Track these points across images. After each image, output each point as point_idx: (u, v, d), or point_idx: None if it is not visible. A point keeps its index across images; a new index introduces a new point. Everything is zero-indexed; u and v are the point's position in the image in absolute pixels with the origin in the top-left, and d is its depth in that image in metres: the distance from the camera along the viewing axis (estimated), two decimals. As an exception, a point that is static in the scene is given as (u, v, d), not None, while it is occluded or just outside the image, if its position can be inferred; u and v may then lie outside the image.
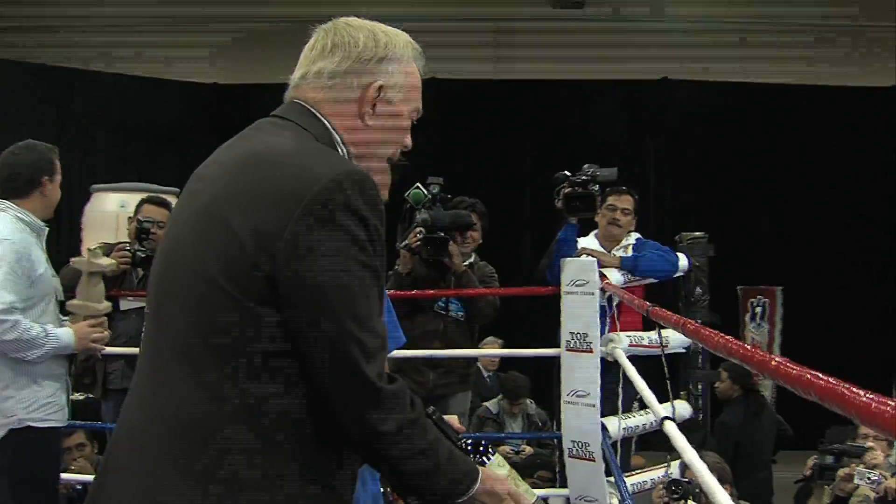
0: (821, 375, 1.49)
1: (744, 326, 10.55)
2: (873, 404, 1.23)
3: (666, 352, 4.72)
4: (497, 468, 2.02)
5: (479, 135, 11.11)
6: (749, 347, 1.92)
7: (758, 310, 10.50)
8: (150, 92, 10.83)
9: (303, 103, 1.87)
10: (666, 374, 4.06)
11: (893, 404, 1.18)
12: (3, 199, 4.07)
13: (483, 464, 2.00)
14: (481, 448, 2.03)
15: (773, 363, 1.70)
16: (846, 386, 1.35)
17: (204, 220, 1.72)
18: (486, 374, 8.17)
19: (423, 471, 1.75)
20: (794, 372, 1.59)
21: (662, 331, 4.64)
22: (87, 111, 10.66)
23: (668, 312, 3.05)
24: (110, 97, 10.65)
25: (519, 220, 10.83)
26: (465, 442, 2.01)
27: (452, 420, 2.09)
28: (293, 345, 1.65)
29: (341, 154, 1.85)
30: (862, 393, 1.28)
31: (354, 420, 1.67)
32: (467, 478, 1.81)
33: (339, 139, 1.86)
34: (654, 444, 6.17)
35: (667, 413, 3.33)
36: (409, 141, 1.98)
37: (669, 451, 5.69)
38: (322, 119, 1.86)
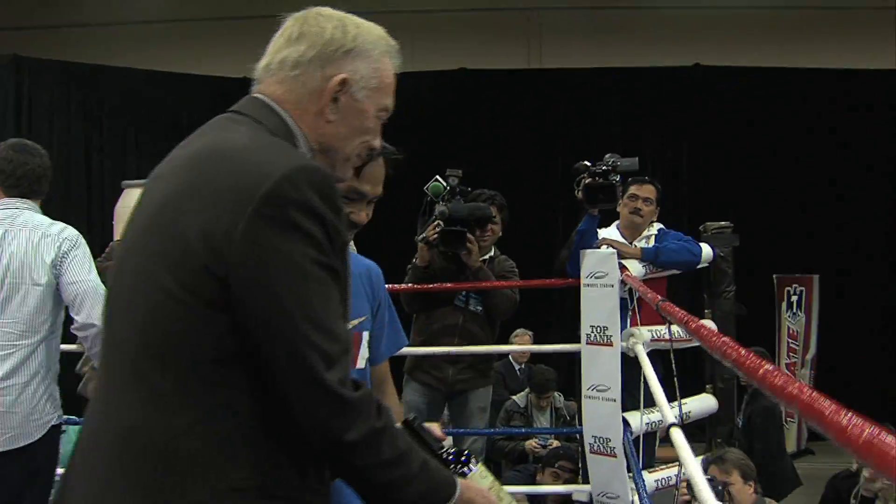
0: (805, 389, 1.40)
1: (780, 315, 10.38)
2: (850, 427, 1.15)
3: (692, 344, 4.61)
4: (479, 479, 1.95)
5: (511, 125, 11.01)
6: (742, 352, 1.83)
7: (794, 298, 10.33)
8: (179, 87, 10.87)
9: (262, 97, 1.78)
10: (674, 371, 3.95)
11: (869, 430, 1.10)
12: (23, 197, 4.03)
13: (464, 474, 1.93)
14: (463, 458, 1.95)
15: (759, 371, 1.62)
16: (827, 403, 1.27)
17: (153, 222, 1.64)
18: (516, 366, 8.10)
19: (392, 482, 1.65)
20: (779, 382, 1.51)
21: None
22: (117, 107, 10.71)
23: (675, 308, 2.96)
24: (140, 93, 10.69)
25: (551, 211, 10.71)
26: (446, 451, 1.94)
27: (434, 428, 2.01)
28: (249, 351, 1.56)
29: (302, 150, 1.76)
30: (843, 413, 1.20)
31: (316, 429, 1.58)
32: (443, 489, 1.73)
33: (299, 134, 1.76)
34: (688, 434, 6.12)
35: (674, 416, 3.24)
36: (376, 142, 1.87)
37: (705, 444, 5.66)
38: (281, 113, 1.76)
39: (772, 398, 1.57)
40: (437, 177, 5.31)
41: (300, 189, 1.56)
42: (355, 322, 2.39)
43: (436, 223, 5.16)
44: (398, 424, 1.95)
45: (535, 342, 8.33)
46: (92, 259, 3.96)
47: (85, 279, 3.87)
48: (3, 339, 3.83)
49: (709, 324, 5.34)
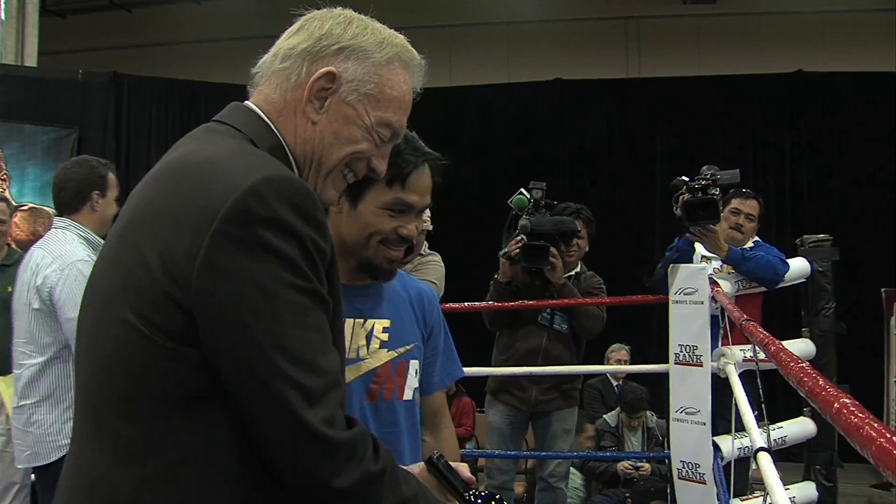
0: (885, 433, 1.23)
1: (888, 331, 9.92)
2: None
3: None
4: None
5: (608, 136, 10.83)
6: (819, 382, 1.65)
7: (905, 313, 9.86)
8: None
9: (246, 104, 1.61)
10: (760, 393, 3.73)
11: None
12: (60, 216, 4.06)
13: None
14: (493, 503, 1.76)
15: (833, 405, 1.44)
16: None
17: (118, 245, 1.47)
18: (614, 383, 7.87)
19: None
20: (854, 420, 1.33)
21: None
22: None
23: (758, 329, 2.76)
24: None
25: (648, 224, 10.47)
26: (474, 494, 1.76)
27: (462, 469, 1.82)
28: (219, 390, 1.37)
29: (291, 163, 1.58)
30: None
31: (301, 475, 1.39)
32: None
33: (284, 143, 1.58)
34: (793, 454, 5.84)
35: (762, 441, 3.03)
36: (378, 164, 1.67)
37: (808, 465, 5.40)
38: (265, 119, 1.58)
39: (846, 437, 1.38)
40: (522, 189, 5.17)
41: (267, 203, 1.36)
42: (401, 350, 2.23)
43: (518, 238, 5.01)
44: (421, 463, 1.80)
45: (632, 359, 8.08)
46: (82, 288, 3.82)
47: (74, 317, 3.75)
48: (17, 359, 3.90)
49: (805, 344, 5.09)
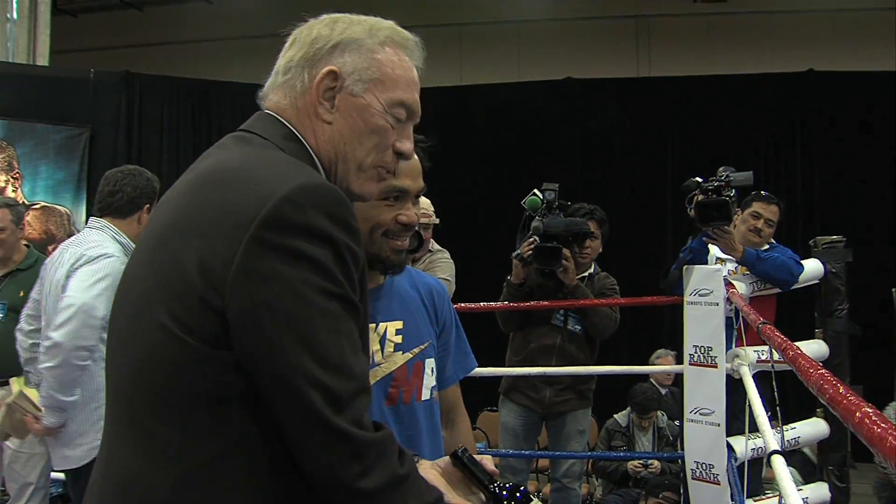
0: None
1: (901, 332, 9.90)
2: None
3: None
4: None
5: (619, 135, 10.80)
6: (840, 390, 1.65)
7: (916, 313, 9.82)
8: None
9: (270, 112, 1.65)
10: (776, 394, 3.74)
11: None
12: (101, 217, 4.01)
13: None
14: (518, 494, 1.78)
15: (856, 414, 1.45)
16: None
17: (153, 251, 1.50)
18: (662, 390, 7.70)
19: None
20: (878, 431, 1.34)
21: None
22: (227, 122, 10.81)
23: (775, 332, 2.77)
24: (249, 107, 10.76)
25: (660, 224, 10.44)
26: (499, 486, 1.78)
27: (486, 461, 1.83)
28: (252, 392, 1.41)
29: (318, 167, 1.62)
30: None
31: (328, 477, 1.41)
32: None
33: (309, 147, 1.62)
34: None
35: (776, 443, 3.04)
36: (404, 145, 1.69)
37: (821, 466, 5.41)
38: (290, 128, 1.62)
39: (869, 447, 1.38)
40: (535, 190, 5.17)
41: (303, 210, 1.40)
42: (416, 350, 2.24)
43: (531, 239, 5.02)
44: (446, 457, 1.82)
45: (641, 363, 8.01)
46: (103, 280, 3.71)
47: (76, 295, 3.67)
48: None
49: (818, 345, 5.09)
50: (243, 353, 1.39)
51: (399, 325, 2.23)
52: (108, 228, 3.95)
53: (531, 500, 1.79)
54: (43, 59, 9.80)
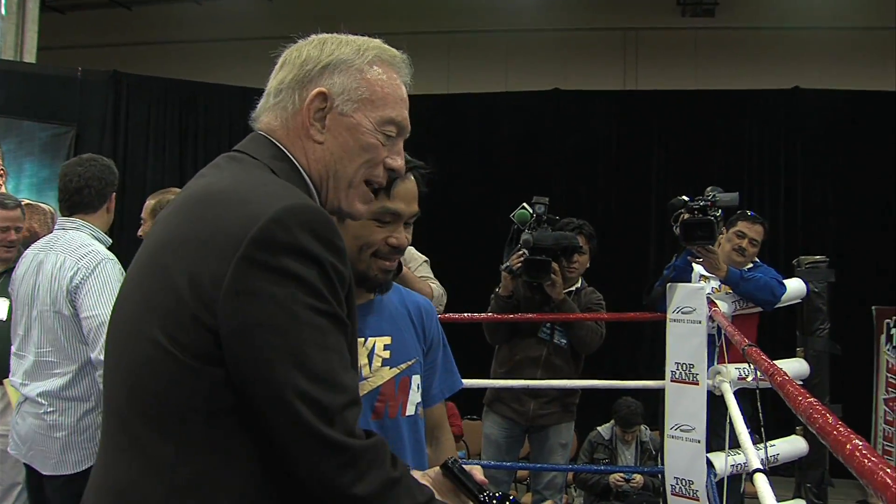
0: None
1: (878, 349, 9.98)
2: None
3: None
4: None
5: (605, 148, 10.85)
6: (829, 419, 1.69)
7: (894, 331, 9.92)
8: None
9: (263, 133, 1.70)
10: (759, 412, 3.78)
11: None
12: (70, 215, 3.93)
13: None
14: (508, 503, 1.83)
15: (846, 446, 1.49)
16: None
17: (146, 269, 1.56)
18: None
19: None
20: (868, 465, 1.37)
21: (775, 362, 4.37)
22: (214, 124, 10.80)
23: (762, 356, 2.81)
24: (237, 110, 10.74)
25: (643, 239, 10.48)
26: (488, 495, 1.82)
27: (475, 471, 1.88)
28: (244, 407, 1.45)
29: (309, 187, 1.67)
30: None
31: (323, 485, 1.45)
32: None
33: (300, 167, 1.67)
34: (781, 469, 5.88)
35: (758, 461, 3.08)
36: (394, 161, 1.74)
37: (799, 483, 5.45)
38: (281, 148, 1.67)
39: (859, 479, 1.42)
40: (525, 204, 5.21)
41: (290, 230, 1.45)
42: (403, 366, 2.28)
43: (520, 252, 5.05)
44: (436, 468, 1.85)
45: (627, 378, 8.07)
46: (113, 287, 3.67)
47: (96, 313, 3.64)
48: (42, 368, 3.77)
49: (799, 364, 5.15)
50: (235, 370, 1.44)
51: (387, 340, 2.27)
52: (84, 227, 3.89)
53: None
54: (30, 56, 9.76)
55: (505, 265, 5.19)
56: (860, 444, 1.48)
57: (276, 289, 1.42)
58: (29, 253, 3.98)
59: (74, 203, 3.93)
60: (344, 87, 1.67)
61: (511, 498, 1.81)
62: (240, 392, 1.44)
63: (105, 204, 3.97)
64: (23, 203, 7.24)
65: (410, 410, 2.28)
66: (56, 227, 3.99)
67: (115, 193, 3.99)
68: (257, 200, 1.48)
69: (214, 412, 1.45)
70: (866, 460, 1.40)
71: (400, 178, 2.11)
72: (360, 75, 1.69)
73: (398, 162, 1.75)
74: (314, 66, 1.68)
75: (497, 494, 1.82)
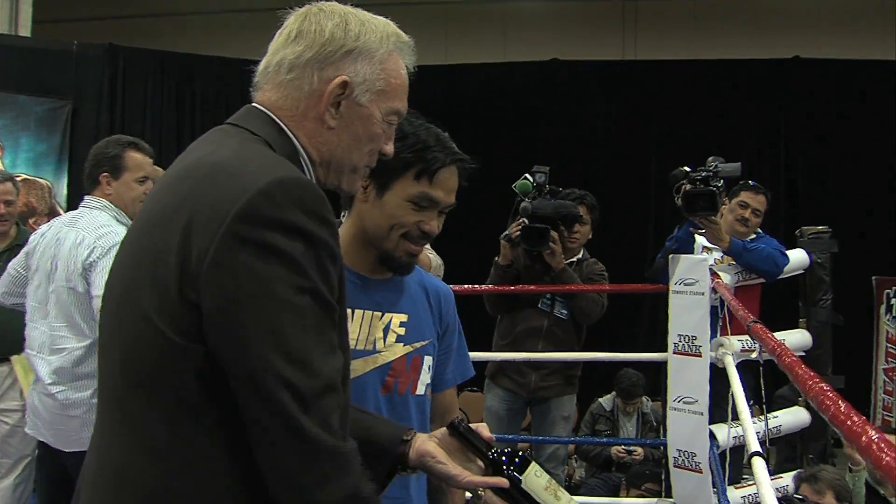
0: None
1: (878, 319, 9.98)
2: None
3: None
4: (534, 479, 1.82)
5: (604, 118, 10.80)
6: (841, 407, 1.66)
7: (894, 301, 9.91)
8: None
9: (259, 107, 1.65)
10: (762, 385, 3.77)
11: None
12: (90, 193, 3.98)
13: (517, 478, 1.81)
14: (517, 459, 1.82)
15: (862, 437, 1.46)
16: None
17: (138, 244, 1.51)
18: None
19: None
20: (887, 459, 1.35)
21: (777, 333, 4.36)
22: (211, 97, 10.74)
23: (768, 334, 2.78)
24: (234, 83, 10.63)
25: (643, 209, 10.45)
26: (496, 452, 1.82)
27: (482, 429, 1.87)
28: (226, 388, 1.40)
29: (305, 165, 1.62)
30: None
31: (285, 481, 1.40)
32: None
33: (300, 146, 1.62)
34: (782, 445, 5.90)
35: (757, 442, 3.08)
36: (388, 148, 1.72)
37: (802, 454, 5.46)
38: (280, 123, 1.62)
39: (873, 470, 1.40)
40: (526, 174, 5.17)
41: (278, 205, 1.40)
42: (417, 345, 2.27)
43: (520, 220, 5.02)
44: (443, 428, 1.86)
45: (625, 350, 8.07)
46: None
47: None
48: (54, 343, 3.79)
49: (801, 335, 5.14)
50: (215, 348, 1.40)
51: (404, 318, 2.27)
52: (108, 209, 3.92)
53: (530, 463, 1.83)
54: (25, 30, 9.67)
55: (504, 234, 5.16)
56: (875, 436, 1.45)
57: (258, 264, 1.37)
58: (54, 225, 4.01)
59: (87, 182, 3.98)
60: (365, 77, 1.63)
61: (521, 453, 1.83)
62: (221, 373, 1.40)
63: (98, 186, 3.95)
64: (19, 178, 7.20)
65: (420, 390, 2.28)
66: (82, 203, 4.00)
67: (107, 174, 3.94)
68: (246, 173, 1.44)
69: (206, 391, 1.42)
70: (884, 455, 1.38)
71: (445, 167, 2.15)
72: (380, 66, 1.65)
73: (389, 147, 1.73)
74: (337, 48, 1.62)
75: (506, 450, 1.84)
